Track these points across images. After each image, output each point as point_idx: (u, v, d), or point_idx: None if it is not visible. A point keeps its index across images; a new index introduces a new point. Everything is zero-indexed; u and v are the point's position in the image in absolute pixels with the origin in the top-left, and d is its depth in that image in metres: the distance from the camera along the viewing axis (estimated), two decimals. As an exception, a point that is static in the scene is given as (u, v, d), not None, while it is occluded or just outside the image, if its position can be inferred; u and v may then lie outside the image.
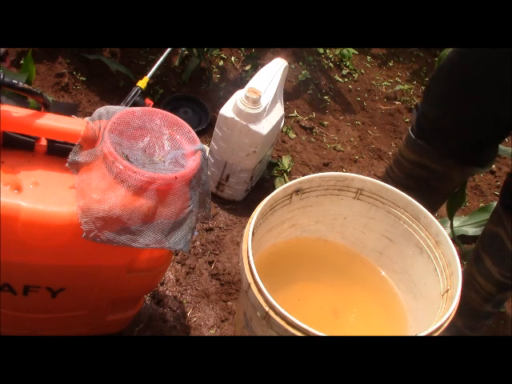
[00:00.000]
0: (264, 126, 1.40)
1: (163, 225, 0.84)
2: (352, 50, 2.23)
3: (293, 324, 0.81)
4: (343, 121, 2.01)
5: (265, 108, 1.40)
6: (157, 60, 1.65)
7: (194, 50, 1.83)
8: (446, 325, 0.87)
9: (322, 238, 1.20)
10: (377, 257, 1.18)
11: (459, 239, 1.63)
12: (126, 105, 1.51)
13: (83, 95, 1.67)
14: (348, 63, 2.21)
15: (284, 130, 1.82)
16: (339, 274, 1.16)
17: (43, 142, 0.87)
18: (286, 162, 1.70)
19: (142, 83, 1.57)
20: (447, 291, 0.95)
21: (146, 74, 1.60)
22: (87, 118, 0.87)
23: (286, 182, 1.30)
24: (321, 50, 2.19)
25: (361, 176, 1.08)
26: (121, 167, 0.80)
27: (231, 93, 1.47)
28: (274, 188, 1.59)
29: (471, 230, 1.67)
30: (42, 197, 0.80)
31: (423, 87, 2.27)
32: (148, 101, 1.59)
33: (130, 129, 0.86)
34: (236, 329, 1.10)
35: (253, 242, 0.91)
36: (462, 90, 1.11)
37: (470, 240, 1.67)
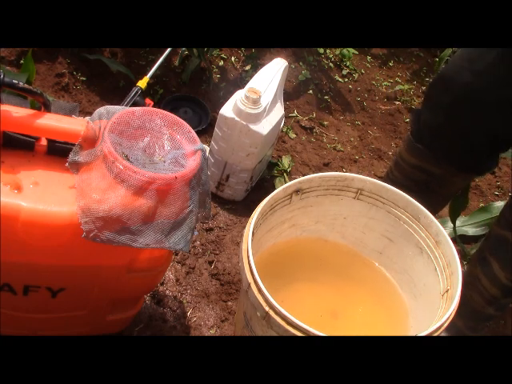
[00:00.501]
0: (264, 126, 1.40)
1: (163, 225, 0.84)
2: (352, 50, 2.23)
3: (293, 324, 0.81)
4: (343, 121, 2.01)
5: (265, 108, 1.40)
6: (157, 60, 1.65)
7: (194, 50, 1.83)
8: (445, 325, 0.86)
9: (322, 238, 1.20)
10: (377, 257, 1.18)
11: (459, 239, 1.63)
12: (126, 105, 1.51)
13: (83, 95, 1.67)
14: (348, 63, 2.21)
15: (284, 130, 1.82)
16: (339, 274, 1.16)
17: (43, 142, 0.87)
18: (286, 162, 1.70)
19: (142, 83, 1.57)
20: (447, 291, 0.95)
21: (146, 74, 1.60)
22: (87, 118, 0.87)
23: (285, 182, 1.30)
24: (321, 50, 2.19)
25: (361, 176, 1.08)
26: (121, 167, 0.80)
27: (231, 93, 1.47)
28: (274, 188, 1.59)
29: (471, 230, 1.67)
30: (42, 197, 0.80)
31: (423, 87, 2.27)
32: (148, 101, 1.59)
33: (130, 129, 0.86)
34: (236, 329, 1.10)
35: (253, 242, 0.91)
36: (465, 101, 1.10)
37: (470, 240, 1.68)
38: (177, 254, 1.34)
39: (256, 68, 1.92)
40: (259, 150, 1.43)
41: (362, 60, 2.29)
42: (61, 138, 0.85)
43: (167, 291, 1.27)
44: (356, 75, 2.20)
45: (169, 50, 1.68)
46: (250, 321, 0.93)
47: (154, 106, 1.61)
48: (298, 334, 0.80)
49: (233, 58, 2.00)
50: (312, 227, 1.18)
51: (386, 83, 2.23)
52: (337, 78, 2.15)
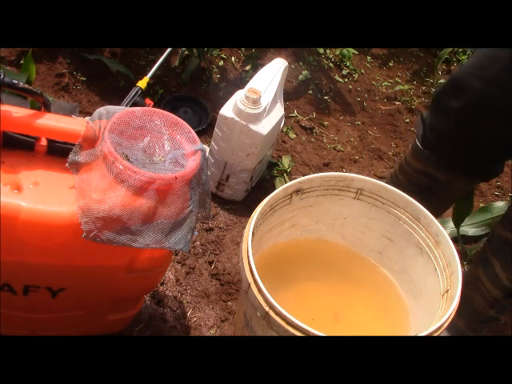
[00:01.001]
0: (264, 126, 1.40)
1: (163, 225, 0.84)
2: (352, 50, 2.23)
3: (293, 324, 0.81)
4: (343, 121, 2.01)
5: (265, 108, 1.40)
6: (157, 60, 1.65)
7: (194, 50, 1.83)
8: (446, 325, 0.86)
9: (322, 238, 1.20)
10: (377, 257, 1.18)
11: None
12: (126, 105, 1.51)
13: (83, 95, 1.67)
14: (348, 63, 2.21)
15: (284, 130, 1.82)
16: (339, 274, 1.16)
17: (43, 142, 0.87)
18: (286, 162, 1.70)
19: (142, 83, 1.57)
20: (447, 291, 0.95)
21: (146, 74, 1.60)
22: (87, 118, 0.87)
23: (286, 182, 1.30)
24: (321, 50, 2.19)
25: (361, 176, 1.08)
26: (121, 167, 0.80)
27: (231, 93, 1.47)
28: (274, 188, 1.59)
29: (471, 230, 1.67)
30: (42, 197, 0.80)
31: (423, 87, 2.27)
32: (148, 101, 1.59)
33: (130, 129, 0.86)
34: (236, 329, 1.10)
35: (253, 242, 0.91)
36: (475, 107, 1.11)
37: (470, 240, 1.67)
38: (177, 254, 1.34)
39: (256, 68, 1.92)
40: (259, 150, 1.43)
41: (362, 60, 2.29)
42: (61, 138, 0.85)
43: (167, 291, 1.27)
44: (356, 75, 2.20)
45: (169, 50, 1.68)
46: (249, 321, 0.93)
47: (154, 106, 1.61)
48: (298, 334, 0.80)
49: (233, 58, 2.00)
50: (312, 227, 1.18)
51: (385, 83, 2.22)
52: (337, 78, 2.15)
